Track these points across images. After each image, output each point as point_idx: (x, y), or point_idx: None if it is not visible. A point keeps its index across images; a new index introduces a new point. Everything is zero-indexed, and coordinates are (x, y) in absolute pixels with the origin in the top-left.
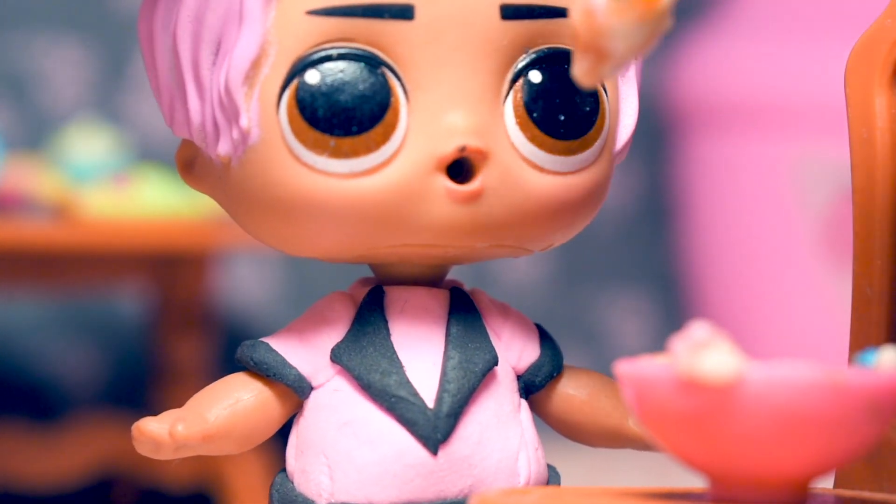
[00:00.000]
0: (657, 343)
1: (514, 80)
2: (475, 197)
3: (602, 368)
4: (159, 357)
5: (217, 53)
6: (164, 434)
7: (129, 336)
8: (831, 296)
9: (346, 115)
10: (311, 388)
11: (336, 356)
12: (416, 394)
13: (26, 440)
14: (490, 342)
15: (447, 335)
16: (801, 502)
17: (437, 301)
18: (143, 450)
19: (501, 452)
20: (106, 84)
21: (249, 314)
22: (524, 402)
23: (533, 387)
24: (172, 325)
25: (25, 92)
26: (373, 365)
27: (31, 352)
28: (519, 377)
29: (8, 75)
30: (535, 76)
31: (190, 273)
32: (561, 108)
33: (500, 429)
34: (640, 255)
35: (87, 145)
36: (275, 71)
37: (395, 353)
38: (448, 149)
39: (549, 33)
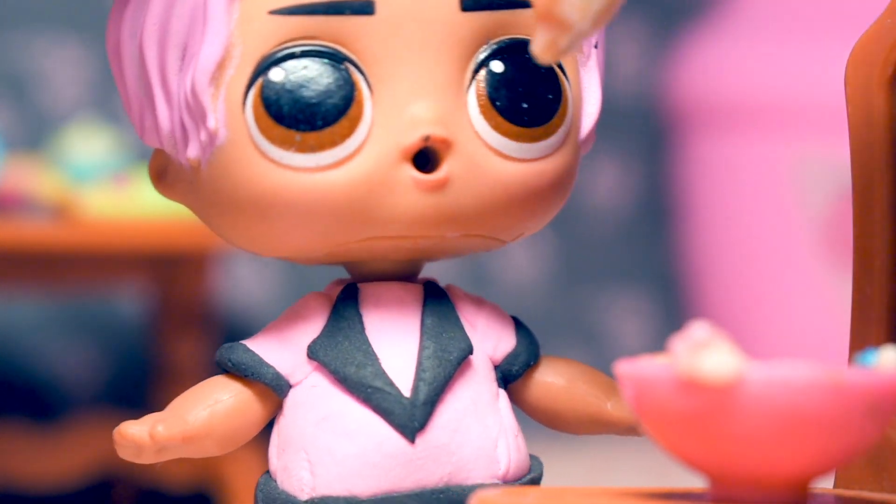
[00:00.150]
0: (657, 343)
1: (476, 71)
2: (441, 186)
3: (602, 368)
4: (159, 357)
5: (183, 58)
6: (145, 436)
7: (129, 336)
8: (831, 296)
9: (311, 110)
10: (290, 387)
11: (312, 352)
12: (391, 384)
13: (26, 440)
14: (464, 332)
15: (421, 326)
16: (801, 502)
17: (411, 294)
18: (126, 454)
19: (480, 440)
20: (106, 84)
21: (249, 314)
22: (502, 392)
23: (510, 376)
24: (172, 325)
25: (25, 92)
26: (348, 358)
27: (31, 352)
28: (496, 367)
29: (8, 75)
30: (497, 66)
31: (190, 273)
32: (523, 97)
33: (477, 417)
34: (640, 255)
35: (87, 145)
36: (240, 71)
37: (369, 345)
38: (412, 139)
39: (509, 24)
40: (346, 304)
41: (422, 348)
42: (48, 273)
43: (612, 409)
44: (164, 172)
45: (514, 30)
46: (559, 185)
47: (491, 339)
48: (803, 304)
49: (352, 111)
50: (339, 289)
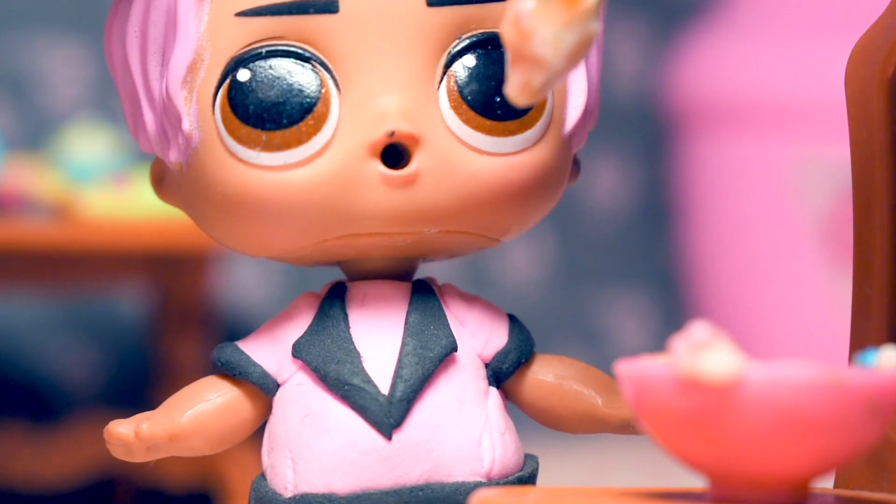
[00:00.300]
0: (657, 343)
1: (448, 66)
2: (410, 181)
3: (602, 368)
4: (159, 357)
5: (162, 64)
6: (131, 434)
7: (129, 336)
8: (831, 296)
9: (276, 108)
10: (278, 385)
11: (296, 351)
12: (369, 381)
13: (26, 440)
14: (449, 329)
15: (406, 324)
16: (801, 502)
17: (399, 292)
18: (116, 452)
19: (461, 437)
20: (106, 84)
21: (249, 314)
22: (493, 390)
23: (501, 373)
24: (172, 325)
25: (25, 92)
26: (329, 356)
27: (31, 352)
28: (487, 364)
29: (8, 75)
30: (469, 60)
31: (190, 273)
32: (496, 90)
33: (460, 414)
34: (640, 255)
35: (87, 145)
36: (210, 73)
37: (352, 343)
38: (378, 134)
39: (481, 18)
40: (332, 302)
41: (403, 345)
42: (48, 273)
43: (604, 406)
44: (163, 178)
45: (486, 24)
46: (542, 179)
47: (481, 337)
48: (803, 304)
49: (318, 109)
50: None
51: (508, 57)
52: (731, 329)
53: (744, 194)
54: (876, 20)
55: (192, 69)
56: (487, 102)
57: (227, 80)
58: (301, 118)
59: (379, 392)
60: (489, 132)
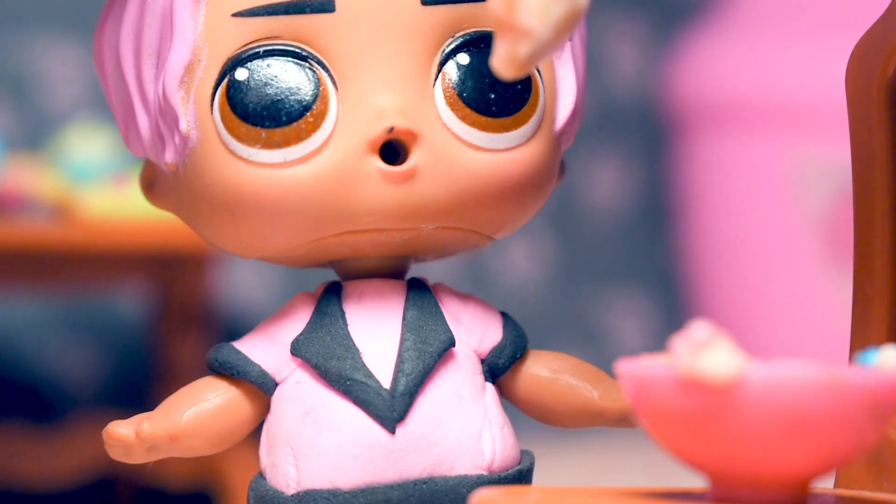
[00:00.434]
0: (657, 343)
1: (442, 64)
2: (408, 177)
3: (602, 368)
4: (159, 357)
5: (157, 66)
6: (131, 435)
7: (129, 336)
8: (831, 296)
9: (276, 106)
10: (276, 384)
11: (295, 349)
12: (371, 376)
13: (26, 440)
14: (446, 325)
15: (403, 320)
16: (801, 502)
17: (394, 290)
18: (115, 453)
19: (462, 431)
20: None
21: (249, 314)
22: (490, 385)
23: (497, 369)
24: (172, 325)
25: (25, 92)
26: (329, 352)
27: (31, 352)
28: (482, 360)
29: (8, 75)
30: (463, 58)
31: (190, 273)
32: (490, 87)
33: (460, 408)
34: (640, 255)
35: (87, 145)
36: (207, 73)
37: (351, 339)
38: (376, 131)
39: (474, 17)
40: (329, 300)
41: (402, 340)
42: (48, 273)
43: (599, 399)
44: (153, 182)
45: (480, 22)
46: (534, 176)
47: (476, 333)
48: (803, 304)
49: (316, 107)
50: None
51: (493, 27)
52: (731, 329)
53: (744, 194)
54: (876, 20)
55: (189, 69)
56: (483, 99)
57: (226, 80)
58: (300, 115)
59: (381, 387)
60: (485, 128)
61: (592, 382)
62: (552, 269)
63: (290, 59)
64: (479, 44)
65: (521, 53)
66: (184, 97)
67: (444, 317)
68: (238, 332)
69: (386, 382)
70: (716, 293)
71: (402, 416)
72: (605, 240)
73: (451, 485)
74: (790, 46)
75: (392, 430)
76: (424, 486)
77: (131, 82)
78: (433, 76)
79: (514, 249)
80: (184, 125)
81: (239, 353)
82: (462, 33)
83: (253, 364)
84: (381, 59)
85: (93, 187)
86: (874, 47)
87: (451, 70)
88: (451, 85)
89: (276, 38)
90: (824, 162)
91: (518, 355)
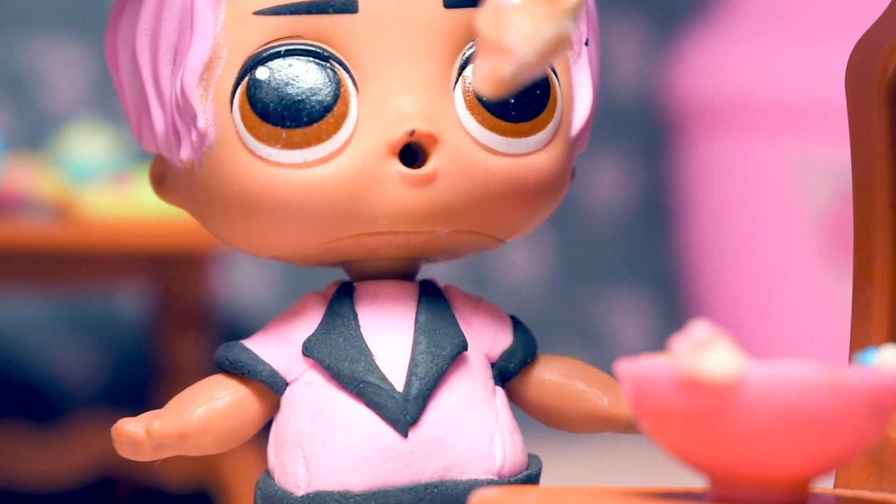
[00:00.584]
0: (657, 343)
1: (462, 67)
2: (428, 180)
3: (602, 368)
4: (159, 357)
5: (174, 62)
6: (141, 432)
7: (129, 336)
8: (831, 296)
9: (297, 106)
10: (286, 384)
11: (307, 349)
12: (384, 378)
13: (26, 440)
14: (459, 328)
15: (416, 322)
16: (801, 502)
17: (407, 292)
18: (124, 451)
19: (474, 435)
20: (106, 84)
21: (249, 314)
22: (499, 389)
23: (507, 373)
24: (172, 325)
25: (25, 92)
26: (342, 354)
27: (31, 352)
28: (493, 364)
29: (8, 75)
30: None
31: (190, 273)
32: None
33: (472, 412)
34: (640, 255)
35: (87, 145)
36: (227, 71)
37: (363, 341)
38: (397, 134)
39: None
40: (341, 301)
41: (415, 343)
42: (48, 273)
43: (609, 405)
44: (164, 177)
45: None
46: (550, 181)
47: (487, 337)
48: (803, 304)
49: (337, 108)
50: (335, 288)
51: (478, 45)
52: (731, 329)
53: (744, 194)
54: (876, 20)
55: (208, 67)
56: (502, 104)
57: (246, 79)
58: (321, 116)
59: (394, 389)
60: (503, 133)
61: (602, 388)
62: (552, 269)
63: (311, 59)
64: None
65: (503, 73)
66: (202, 95)
67: (456, 320)
68: (238, 332)
69: (399, 385)
70: (716, 293)
71: (415, 420)
72: (605, 240)
73: (461, 489)
74: (790, 46)
75: (404, 434)
76: (435, 489)
77: (147, 78)
78: (453, 80)
79: (514, 249)
80: (202, 122)
81: (249, 351)
82: None
83: (264, 363)
84: (403, 61)
85: (93, 187)
86: (874, 47)
87: (471, 74)
88: (471, 89)
89: (298, 37)
90: (824, 162)
91: (528, 360)
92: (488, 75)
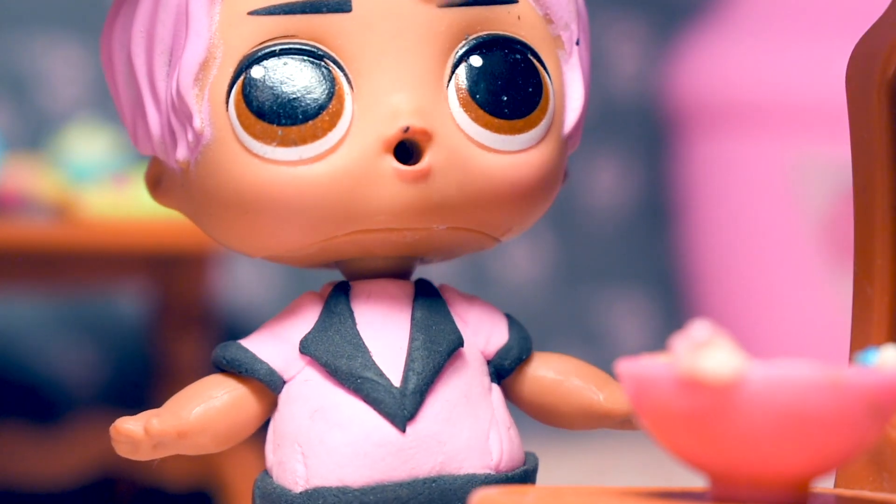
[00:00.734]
0: (657, 343)
1: (455, 66)
2: (423, 176)
3: (602, 368)
4: (159, 357)
5: (170, 64)
6: (140, 431)
7: (129, 336)
8: (831, 296)
9: (292, 104)
10: (284, 382)
11: (304, 347)
12: (381, 374)
13: (26, 440)
14: (454, 325)
15: (412, 319)
16: (801, 502)
17: (402, 290)
18: (122, 450)
19: (471, 430)
20: (106, 84)
21: (249, 314)
22: (495, 386)
23: (503, 370)
24: (172, 325)
25: (25, 92)
26: (339, 351)
27: (31, 352)
28: (489, 361)
29: (8, 75)
30: (476, 60)
31: (190, 273)
32: (503, 89)
33: (469, 408)
34: (640, 255)
35: (87, 145)
36: (222, 71)
37: (360, 338)
38: (392, 130)
39: (487, 20)
40: (337, 299)
41: (412, 339)
42: (48, 273)
43: (604, 401)
44: (160, 180)
45: (492, 25)
46: (543, 178)
47: (482, 334)
48: (803, 304)
49: (332, 106)
50: (332, 287)
51: None
52: (731, 329)
53: (744, 194)
54: (876, 20)
55: (203, 67)
56: (495, 101)
57: (241, 78)
58: (317, 114)
59: (391, 385)
60: (497, 130)
61: (598, 385)
62: (552, 269)
63: (306, 57)
64: (491, 46)
65: None
66: (198, 94)
67: (451, 317)
68: (238, 331)
69: (396, 381)
70: (716, 293)
71: (412, 415)
72: (605, 240)
73: (459, 484)
74: (790, 46)
75: (402, 429)
76: (433, 484)
77: (142, 80)
78: (446, 77)
79: (514, 249)
80: (198, 122)
81: (246, 350)
82: (475, 36)
83: (261, 362)
84: (397, 59)
85: (93, 187)
86: (874, 47)
87: (463, 72)
88: (463, 86)
89: (292, 36)
90: (824, 162)
91: (524, 357)
92: None
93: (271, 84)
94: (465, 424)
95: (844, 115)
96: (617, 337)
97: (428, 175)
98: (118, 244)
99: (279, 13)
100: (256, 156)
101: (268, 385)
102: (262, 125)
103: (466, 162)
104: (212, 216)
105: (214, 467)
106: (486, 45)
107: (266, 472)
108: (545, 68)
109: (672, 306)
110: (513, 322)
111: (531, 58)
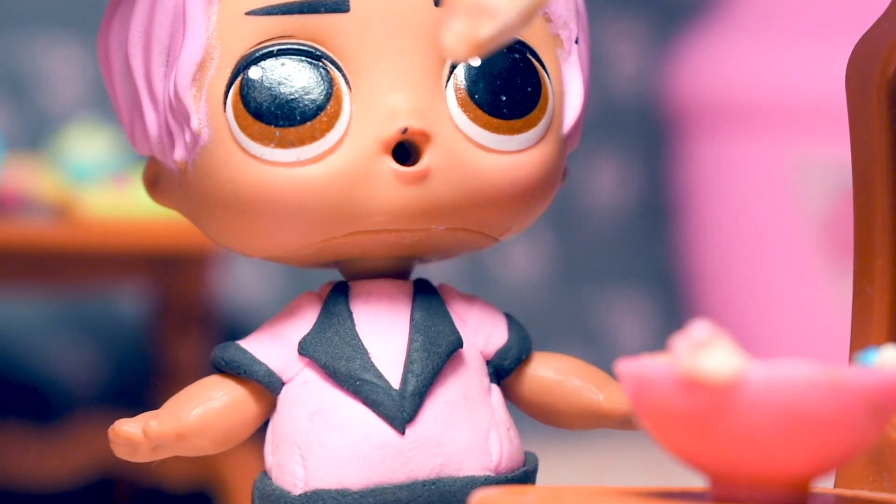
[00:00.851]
0: (657, 343)
1: (454, 66)
2: (422, 177)
3: (602, 368)
4: (159, 357)
5: (167, 64)
6: (139, 433)
7: (129, 336)
8: (831, 296)
9: (290, 105)
10: (283, 383)
11: (303, 348)
12: (380, 376)
13: (26, 440)
14: (454, 326)
15: (411, 320)
16: (801, 502)
17: (401, 291)
18: (121, 452)
19: (470, 431)
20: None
21: (249, 314)
22: (495, 386)
23: (502, 370)
24: (172, 325)
25: (25, 92)
26: (337, 352)
27: (31, 352)
28: (488, 362)
29: (8, 75)
30: (475, 60)
31: (190, 273)
32: (502, 89)
33: (468, 409)
34: (640, 255)
35: (87, 145)
36: (220, 72)
37: (359, 339)
38: (390, 131)
39: None
40: (336, 300)
41: (411, 341)
42: (48, 273)
43: (604, 401)
44: (157, 180)
45: None
46: (543, 178)
47: (482, 334)
48: (803, 304)
49: (330, 106)
50: (331, 288)
51: (450, 3)
52: (731, 329)
53: (744, 194)
54: (876, 20)
55: (201, 67)
56: (494, 101)
57: (239, 78)
58: (314, 115)
59: (391, 387)
60: (496, 130)
61: (598, 385)
62: (552, 269)
63: (304, 58)
64: None
65: (481, 34)
66: (196, 95)
67: (451, 318)
68: (238, 332)
69: (395, 383)
70: (716, 293)
71: (411, 417)
72: (605, 240)
73: (459, 485)
74: (790, 46)
75: (402, 431)
76: (433, 486)
77: (140, 80)
78: (445, 77)
79: (514, 249)
80: (195, 123)
81: (245, 351)
82: None
83: (259, 363)
84: (395, 59)
85: (93, 187)
86: (874, 47)
87: (462, 72)
88: (462, 86)
89: (290, 37)
90: (824, 162)
91: (523, 357)
92: (463, 35)
93: (269, 85)
94: (465, 426)
95: (844, 115)
96: (617, 337)
97: (426, 176)
98: (118, 244)
99: (277, 13)
100: (254, 157)
101: (267, 386)
102: (259, 126)
103: (465, 162)
104: (210, 216)
105: (214, 468)
106: None
107: (265, 474)
108: (544, 67)
109: (672, 306)
110: (512, 322)
111: (530, 57)
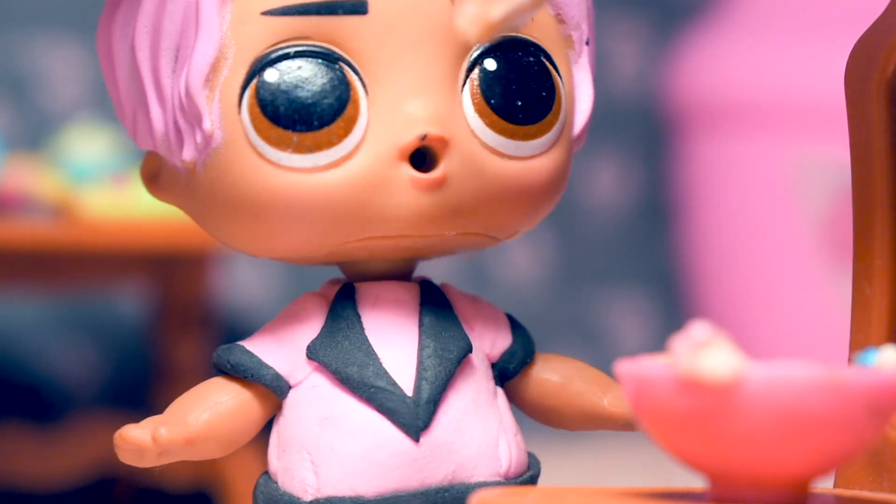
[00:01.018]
0: (657, 343)
1: (470, 69)
2: (439, 184)
3: (602, 368)
4: (159, 357)
5: (176, 60)
6: (147, 439)
7: (129, 336)
8: (831, 296)
9: (307, 110)
10: (290, 387)
11: (312, 353)
12: (394, 383)
13: (26, 440)
14: (463, 330)
15: (420, 325)
16: (801, 502)
17: (409, 294)
18: (127, 457)
19: (481, 438)
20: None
21: (249, 314)
22: (500, 390)
23: (507, 373)
24: (172, 325)
25: (25, 92)
26: (349, 358)
27: (31, 352)
28: (493, 365)
29: (8, 75)
30: (491, 64)
31: (190, 273)
32: (518, 94)
33: (478, 415)
34: (640, 255)
35: (87, 145)
36: (234, 72)
37: (369, 345)
38: (409, 138)
39: None
40: (343, 304)
41: (422, 347)
42: (48, 273)
43: (608, 404)
44: (157, 175)
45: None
46: (554, 182)
47: (488, 338)
48: (803, 304)
49: (348, 111)
50: (334, 289)
51: None
52: (731, 329)
53: (744, 194)
54: (876, 20)
55: (214, 68)
56: (510, 106)
57: (255, 81)
58: (332, 120)
59: (405, 395)
60: (511, 136)
61: (601, 387)
62: (552, 269)
63: (320, 61)
64: (505, 49)
65: (492, 15)
66: (209, 96)
67: (459, 322)
68: (238, 332)
69: (408, 389)
70: (716, 293)
71: (426, 425)
72: (604, 240)
73: (471, 492)
74: (790, 46)
75: (416, 439)
76: (446, 493)
77: (146, 74)
78: (461, 81)
79: (514, 249)
80: (208, 124)
81: (252, 354)
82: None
83: (267, 367)
84: (413, 63)
85: (93, 187)
86: (874, 47)
87: (478, 76)
88: (479, 91)
89: (307, 38)
90: (824, 162)
91: (528, 360)
92: (475, 17)
93: (286, 89)
94: (476, 432)
95: (844, 115)
96: (617, 337)
97: (444, 182)
98: (118, 244)
99: (293, 14)
100: (270, 162)
101: (273, 390)
102: (277, 131)
103: (480, 168)
104: (218, 217)
105: (214, 468)
106: (500, 48)
107: (268, 476)
108: (557, 71)
109: (672, 306)
110: (515, 323)
111: (544, 60)
